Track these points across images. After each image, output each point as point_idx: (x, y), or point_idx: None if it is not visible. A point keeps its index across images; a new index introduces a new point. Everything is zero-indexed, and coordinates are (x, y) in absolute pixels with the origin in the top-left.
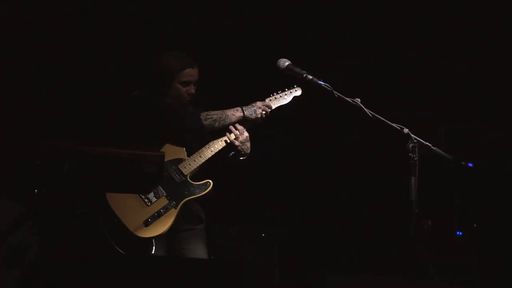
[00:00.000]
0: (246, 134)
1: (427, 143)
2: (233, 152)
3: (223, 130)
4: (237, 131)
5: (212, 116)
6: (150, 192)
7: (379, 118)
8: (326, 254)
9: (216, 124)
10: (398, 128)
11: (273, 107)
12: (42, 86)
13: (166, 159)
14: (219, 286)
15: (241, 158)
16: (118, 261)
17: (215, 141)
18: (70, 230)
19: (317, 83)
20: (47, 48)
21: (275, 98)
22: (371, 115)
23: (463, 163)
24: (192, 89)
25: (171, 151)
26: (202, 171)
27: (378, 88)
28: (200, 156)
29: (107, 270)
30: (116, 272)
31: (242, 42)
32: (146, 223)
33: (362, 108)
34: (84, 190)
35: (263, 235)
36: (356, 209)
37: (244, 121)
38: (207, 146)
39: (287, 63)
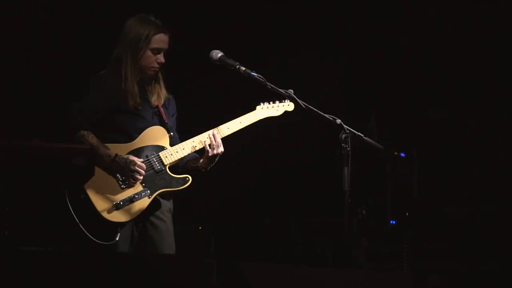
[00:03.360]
0: (221, 149)
1: (359, 133)
2: (201, 160)
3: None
4: (215, 142)
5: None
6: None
7: (312, 109)
8: (260, 244)
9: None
10: (331, 118)
11: (262, 117)
12: None
13: (147, 143)
14: (154, 280)
15: (202, 169)
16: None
17: (198, 137)
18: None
19: (250, 74)
20: None
21: (267, 108)
22: (304, 106)
23: (395, 153)
24: (162, 58)
25: (155, 135)
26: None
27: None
28: (183, 149)
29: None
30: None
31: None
32: (117, 206)
33: (295, 99)
34: (10, 184)
35: (200, 228)
36: (290, 199)
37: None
38: (191, 140)
39: (219, 54)
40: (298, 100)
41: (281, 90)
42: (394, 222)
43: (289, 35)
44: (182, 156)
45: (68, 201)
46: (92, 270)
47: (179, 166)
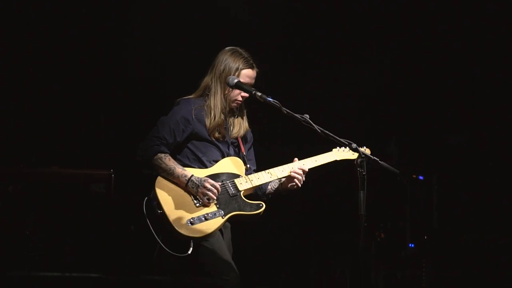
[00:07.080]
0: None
1: (374, 157)
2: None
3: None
4: (302, 173)
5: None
6: None
7: (328, 134)
8: (267, 269)
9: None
10: (346, 143)
11: (338, 159)
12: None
13: (223, 171)
14: None
15: (279, 191)
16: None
17: (276, 168)
18: None
19: (266, 99)
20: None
21: (343, 150)
22: (319, 131)
23: (414, 176)
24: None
25: (232, 165)
26: (253, 192)
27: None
28: (258, 178)
29: None
30: None
31: None
32: (191, 222)
33: (311, 124)
34: (31, 210)
35: None
36: (307, 222)
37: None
38: (268, 171)
39: (235, 80)
40: (314, 125)
41: (296, 115)
42: (413, 245)
43: (303, 53)
44: (257, 184)
45: (146, 215)
46: None
47: (258, 194)
